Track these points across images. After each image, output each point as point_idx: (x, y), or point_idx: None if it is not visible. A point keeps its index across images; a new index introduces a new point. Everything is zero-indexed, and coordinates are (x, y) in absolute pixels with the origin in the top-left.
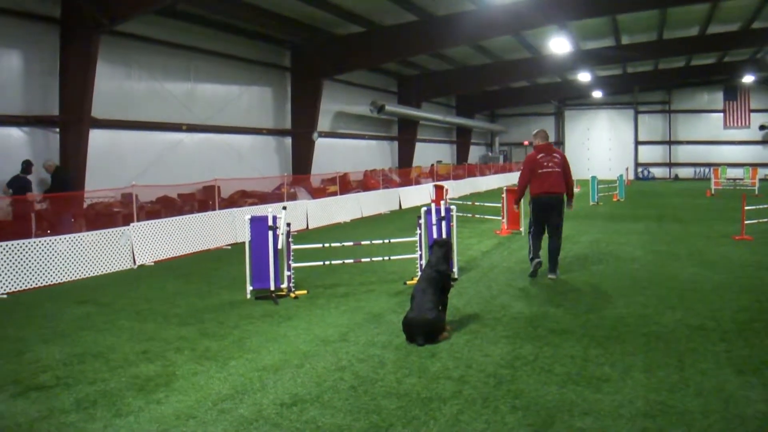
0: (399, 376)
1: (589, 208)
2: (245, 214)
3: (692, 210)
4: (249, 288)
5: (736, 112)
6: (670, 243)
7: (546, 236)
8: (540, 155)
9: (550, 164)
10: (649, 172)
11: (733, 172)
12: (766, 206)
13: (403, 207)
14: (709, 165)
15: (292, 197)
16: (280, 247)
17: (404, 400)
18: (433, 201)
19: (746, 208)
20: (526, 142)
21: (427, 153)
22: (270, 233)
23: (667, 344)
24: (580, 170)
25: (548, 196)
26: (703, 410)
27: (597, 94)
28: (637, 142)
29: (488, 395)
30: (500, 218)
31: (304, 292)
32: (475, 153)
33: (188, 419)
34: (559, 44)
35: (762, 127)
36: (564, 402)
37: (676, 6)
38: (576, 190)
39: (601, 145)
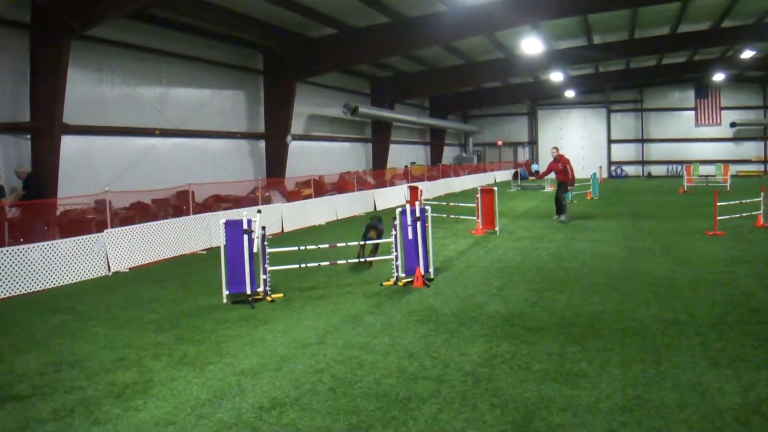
0: (377, 377)
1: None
2: (220, 218)
3: (665, 207)
4: (225, 292)
5: (707, 110)
6: (644, 240)
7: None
8: (557, 164)
9: (560, 166)
10: (622, 170)
11: (705, 169)
12: (737, 202)
13: (378, 208)
14: (681, 162)
15: (267, 200)
16: (255, 250)
17: (383, 400)
18: (407, 202)
19: (718, 204)
20: (499, 143)
21: (401, 154)
22: (245, 237)
23: (643, 339)
24: None
25: (562, 182)
26: (679, 403)
27: (569, 94)
28: (610, 141)
29: (466, 394)
30: (475, 218)
31: (281, 295)
32: (448, 154)
33: (167, 425)
34: (531, 44)
35: (733, 125)
36: (542, 399)
37: (647, 5)
38: (550, 189)
39: (575, 144)
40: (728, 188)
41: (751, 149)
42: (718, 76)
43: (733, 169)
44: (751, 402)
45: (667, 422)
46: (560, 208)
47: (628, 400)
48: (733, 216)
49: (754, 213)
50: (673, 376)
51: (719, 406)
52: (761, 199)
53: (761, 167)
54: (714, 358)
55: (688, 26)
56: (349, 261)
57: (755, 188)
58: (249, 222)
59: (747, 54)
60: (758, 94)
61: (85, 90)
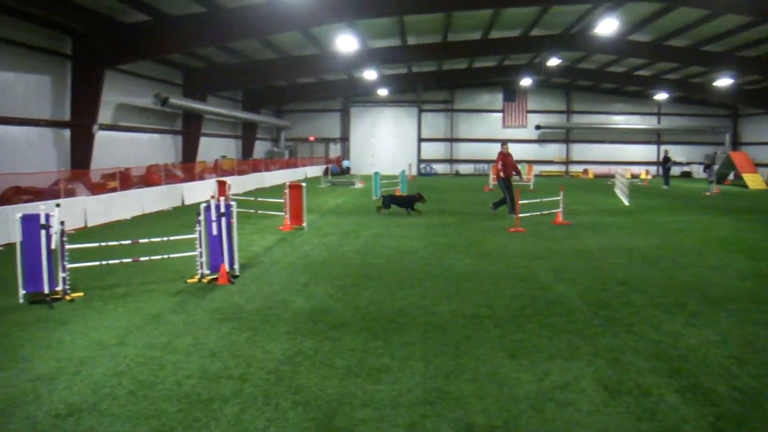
0: (179, 378)
1: (372, 204)
2: (18, 212)
3: (471, 204)
4: (21, 292)
5: (514, 113)
6: (449, 236)
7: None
8: (508, 157)
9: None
10: (431, 167)
11: None
12: (538, 201)
13: (186, 203)
14: (488, 162)
15: (70, 193)
16: (53, 247)
17: (185, 402)
18: (212, 197)
19: (520, 202)
20: (311, 138)
21: (213, 148)
22: (43, 232)
23: (445, 333)
24: (364, 166)
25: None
26: (478, 394)
27: (382, 92)
28: (420, 139)
29: (269, 392)
30: (283, 214)
31: (81, 294)
32: (260, 148)
33: None
34: (346, 42)
35: (538, 127)
36: (344, 395)
37: (461, 11)
38: (360, 185)
39: (386, 142)
40: (531, 187)
41: (554, 151)
42: (526, 81)
43: (537, 169)
44: (545, 390)
45: (467, 413)
46: (508, 202)
47: (429, 392)
48: (534, 213)
49: (553, 211)
50: (472, 368)
51: (516, 394)
52: (560, 198)
53: (563, 168)
54: (512, 349)
55: (499, 32)
56: (152, 258)
57: (556, 188)
58: (47, 216)
59: (553, 62)
60: (562, 100)
61: None
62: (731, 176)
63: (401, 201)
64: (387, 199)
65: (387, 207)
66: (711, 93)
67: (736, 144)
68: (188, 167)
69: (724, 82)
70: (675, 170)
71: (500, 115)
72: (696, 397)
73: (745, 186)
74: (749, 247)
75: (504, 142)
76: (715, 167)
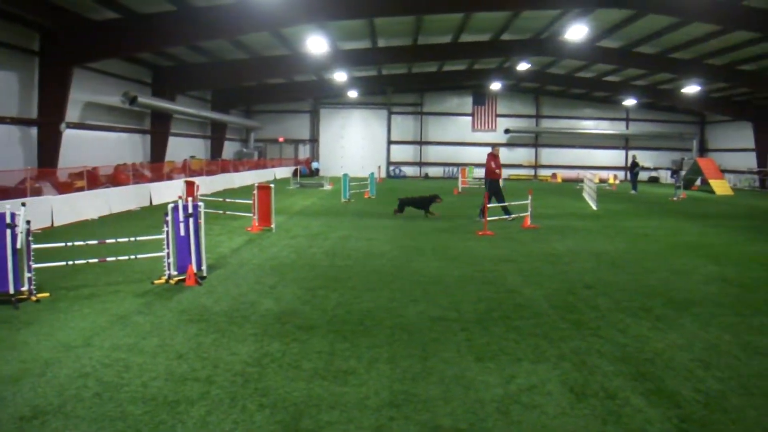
0: (145, 379)
1: (340, 205)
2: None
3: (440, 207)
4: None
5: (483, 116)
6: (417, 239)
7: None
8: (497, 159)
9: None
10: (400, 170)
11: (479, 172)
12: (507, 204)
13: (154, 203)
14: (457, 165)
15: (37, 192)
16: (19, 246)
17: (151, 404)
18: (180, 197)
19: (489, 205)
20: (281, 139)
21: (181, 147)
22: (8, 231)
23: (411, 335)
24: (333, 168)
25: (497, 180)
26: (444, 397)
27: (352, 94)
28: (390, 142)
29: (236, 394)
30: (251, 215)
31: (46, 294)
32: (230, 149)
33: None
34: (316, 43)
35: (507, 131)
36: (311, 397)
37: (432, 14)
38: (329, 187)
39: (355, 144)
40: None
41: (523, 155)
42: (496, 85)
43: (506, 172)
44: (511, 392)
45: (434, 415)
46: (505, 207)
47: (396, 395)
48: (502, 217)
49: (522, 214)
50: (439, 370)
51: (482, 397)
52: (528, 201)
53: (531, 172)
54: (478, 352)
55: (469, 36)
56: (119, 258)
57: (524, 191)
58: (12, 215)
59: (522, 66)
60: (531, 104)
61: None
62: (698, 182)
63: (418, 202)
64: (402, 203)
65: (401, 210)
66: (679, 100)
67: (703, 150)
68: (156, 167)
69: (691, 89)
70: (643, 175)
71: (469, 118)
72: (661, 399)
73: (711, 192)
74: (714, 252)
75: (494, 145)
76: (683, 173)
